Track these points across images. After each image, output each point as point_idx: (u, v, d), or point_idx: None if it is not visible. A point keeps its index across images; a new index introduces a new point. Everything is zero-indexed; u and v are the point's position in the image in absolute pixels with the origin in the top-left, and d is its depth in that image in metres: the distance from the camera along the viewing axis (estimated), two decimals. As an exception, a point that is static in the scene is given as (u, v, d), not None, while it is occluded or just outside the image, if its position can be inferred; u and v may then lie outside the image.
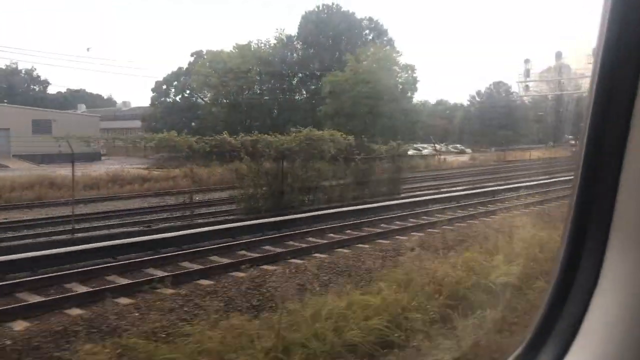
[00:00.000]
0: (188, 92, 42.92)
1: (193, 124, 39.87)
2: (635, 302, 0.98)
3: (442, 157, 43.11)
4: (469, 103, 67.92)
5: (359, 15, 46.14)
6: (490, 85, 66.69)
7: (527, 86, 42.94)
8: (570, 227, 1.13)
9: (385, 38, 45.85)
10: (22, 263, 9.13)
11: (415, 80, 41.33)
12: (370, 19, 45.89)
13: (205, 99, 41.39)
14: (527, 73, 45.82)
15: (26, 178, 22.20)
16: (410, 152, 37.63)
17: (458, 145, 60.55)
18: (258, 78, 38.94)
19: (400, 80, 38.71)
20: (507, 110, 62.99)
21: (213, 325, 4.95)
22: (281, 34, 43.14)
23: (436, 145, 54.79)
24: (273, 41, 43.19)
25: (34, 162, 33.78)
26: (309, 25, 43.01)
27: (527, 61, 45.56)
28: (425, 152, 44.98)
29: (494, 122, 64.53)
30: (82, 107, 56.74)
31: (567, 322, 1.12)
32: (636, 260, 0.99)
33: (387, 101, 35.26)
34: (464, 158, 45.55)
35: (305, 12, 44.07)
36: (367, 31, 46.17)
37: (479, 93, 67.10)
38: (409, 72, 40.65)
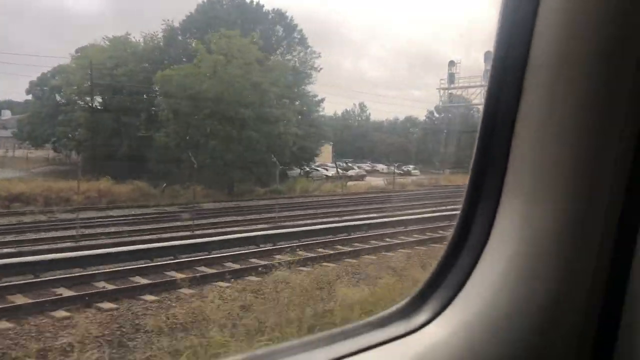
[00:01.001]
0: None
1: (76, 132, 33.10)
2: (519, 256, 1.11)
3: (354, 181, 37.60)
4: (426, 119, 61.17)
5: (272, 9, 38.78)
6: (449, 96, 60.23)
7: (450, 94, 36.63)
8: (467, 188, 1.21)
9: (296, 36, 39.07)
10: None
11: (301, 82, 35.06)
12: (279, 12, 38.84)
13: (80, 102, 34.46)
14: (451, 79, 38.81)
15: None
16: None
17: (410, 167, 53.11)
18: (126, 77, 31.96)
19: (277, 80, 30.01)
20: (464, 126, 56.47)
21: None
22: (169, 25, 36.33)
23: (354, 165, 48.83)
24: (161, 34, 36.42)
25: None
26: (198, 17, 36.39)
27: (452, 64, 38.49)
28: (330, 173, 40.11)
29: (451, 140, 57.94)
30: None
31: (458, 275, 1.20)
32: (521, 219, 1.11)
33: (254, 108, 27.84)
34: (380, 181, 39.62)
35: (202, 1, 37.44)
36: (278, 27, 39.43)
37: (437, 107, 60.60)
38: (304, 74, 34.90)
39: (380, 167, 52.89)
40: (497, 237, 1.16)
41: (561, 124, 1.07)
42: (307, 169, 39.48)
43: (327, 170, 41.40)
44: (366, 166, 51.89)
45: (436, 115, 61.80)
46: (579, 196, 1.08)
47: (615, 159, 1.08)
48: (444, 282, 1.23)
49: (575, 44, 1.04)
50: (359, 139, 66.25)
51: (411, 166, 54.23)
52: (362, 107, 68.59)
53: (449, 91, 36.07)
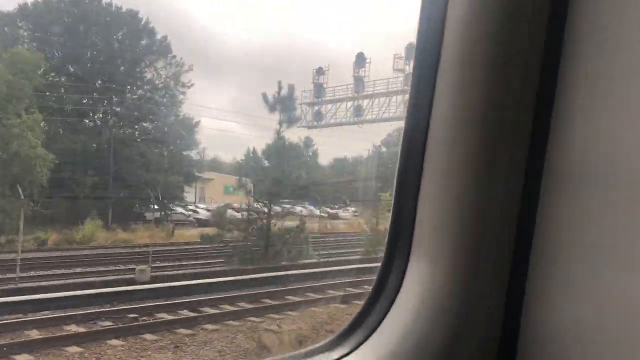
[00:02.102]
0: None
1: None
2: (426, 296, 1.25)
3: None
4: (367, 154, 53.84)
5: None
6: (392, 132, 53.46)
7: (319, 112, 29.07)
8: (386, 246, 1.37)
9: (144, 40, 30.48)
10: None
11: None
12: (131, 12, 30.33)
13: None
14: (318, 90, 30.80)
15: None
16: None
17: (352, 210, 45.75)
18: None
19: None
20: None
21: None
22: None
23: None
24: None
25: None
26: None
27: (320, 71, 30.74)
28: (204, 215, 33.03)
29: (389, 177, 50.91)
30: None
31: (375, 316, 1.35)
32: (425, 275, 1.26)
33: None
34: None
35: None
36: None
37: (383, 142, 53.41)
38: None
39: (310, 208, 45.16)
40: (409, 284, 1.30)
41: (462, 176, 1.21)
42: (172, 211, 32.91)
43: (197, 212, 34.18)
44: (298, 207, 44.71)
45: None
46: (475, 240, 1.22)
47: (506, 191, 1.20)
48: (363, 323, 1.37)
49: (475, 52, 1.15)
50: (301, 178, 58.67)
51: (350, 208, 46.16)
52: (308, 140, 60.31)
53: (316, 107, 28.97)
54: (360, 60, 29.35)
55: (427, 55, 1.21)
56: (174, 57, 31.30)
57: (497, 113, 1.16)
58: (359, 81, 29.31)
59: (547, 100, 1.16)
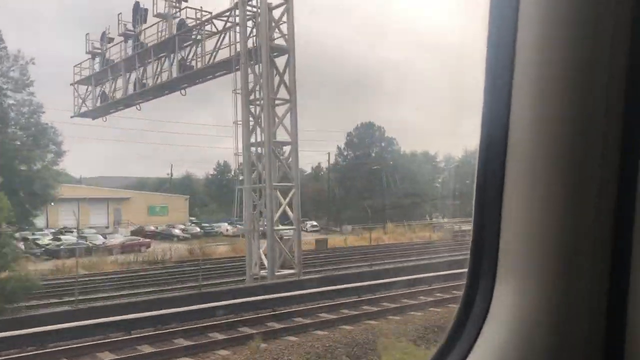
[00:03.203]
0: None
1: None
2: (516, 326, 1.17)
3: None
4: (334, 161, 50.83)
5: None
6: (358, 127, 50.22)
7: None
8: (468, 270, 1.29)
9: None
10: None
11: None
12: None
13: None
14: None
15: None
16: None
17: (313, 223, 44.20)
18: None
19: None
20: (378, 167, 46.43)
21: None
22: None
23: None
24: None
25: None
26: None
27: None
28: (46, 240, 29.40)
29: (358, 186, 47.53)
30: None
31: (463, 346, 1.27)
32: (516, 293, 1.17)
33: None
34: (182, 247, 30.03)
35: None
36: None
37: (348, 143, 50.40)
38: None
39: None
40: (496, 310, 1.22)
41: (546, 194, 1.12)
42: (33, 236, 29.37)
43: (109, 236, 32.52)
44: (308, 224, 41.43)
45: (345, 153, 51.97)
46: (566, 265, 1.13)
47: (597, 227, 1.12)
48: (449, 355, 1.30)
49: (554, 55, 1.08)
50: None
51: (310, 223, 43.21)
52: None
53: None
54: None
55: (500, 54, 1.15)
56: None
57: (584, 119, 1.09)
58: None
59: (636, 99, 1.07)
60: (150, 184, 54.47)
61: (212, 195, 54.33)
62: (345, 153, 50.20)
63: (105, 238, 32.85)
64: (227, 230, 39.97)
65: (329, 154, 48.14)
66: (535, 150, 1.12)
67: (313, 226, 43.03)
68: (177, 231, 38.87)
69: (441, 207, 43.42)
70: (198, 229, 41.03)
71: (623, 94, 1.08)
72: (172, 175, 52.82)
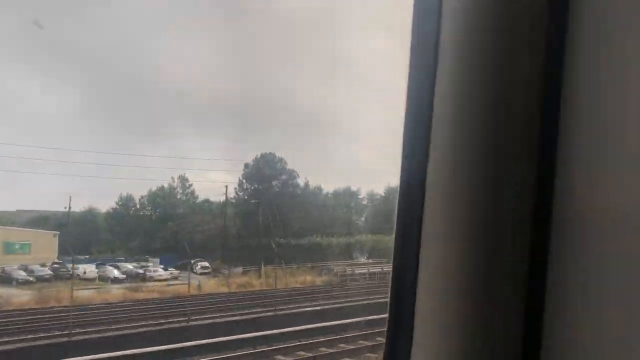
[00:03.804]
0: None
1: None
2: None
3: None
4: (235, 194, 46.37)
5: None
6: (258, 158, 46.00)
7: None
8: (387, 326, 1.29)
9: None
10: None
11: None
12: None
13: None
14: None
15: None
16: None
17: (204, 264, 40.01)
18: None
19: None
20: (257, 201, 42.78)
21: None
22: None
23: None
24: None
25: None
26: None
27: None
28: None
29: (259, 222, 44.06)
30: None
31: None
32: (433, 357, 1.18)
33: None
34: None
35: None
36: None
37: (247, 175, 46.10)
38: None
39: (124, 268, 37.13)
40: None
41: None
42: None
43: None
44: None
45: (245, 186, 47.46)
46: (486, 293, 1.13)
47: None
48: None
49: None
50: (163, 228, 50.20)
51: (201, 264, 38.77)
52: (184, 180, 51.98)
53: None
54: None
55: (422, 64, 1.16)
56: None
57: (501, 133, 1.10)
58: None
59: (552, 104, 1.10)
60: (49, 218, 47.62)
61: (115, 231, 48.39)
62: (245, 186, 45.98)
63: None
64: (84, 272, 34.30)
65: (226, 186, 43.93)
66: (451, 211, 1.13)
67: (204, 267, 38.42)
68: (21, 273, 32.72)
69: (358, 246, 40.46)
70: (49, 272, 34.94)
71: (539, 99, 1.10)
72: (69, 209, 46.30)
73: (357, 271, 32.99)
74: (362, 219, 47.89)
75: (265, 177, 45.24)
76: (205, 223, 45.49)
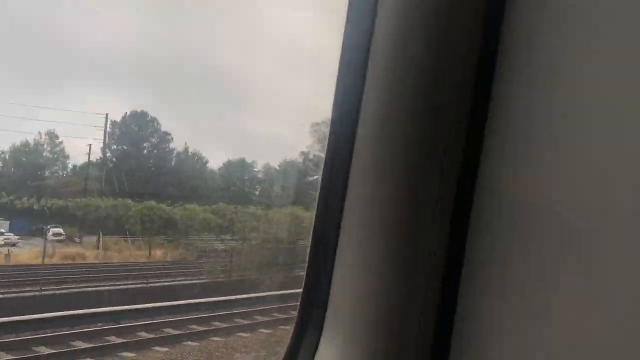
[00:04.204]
0: None
1: None
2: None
3: None
4: (101, 155, 42.11)
5: None
6: (126, 117, 41.46)
7: None
8: (297, 317, 1.29)
9: None
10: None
11: None
12: None
13: None
14: None
15: None
16: None
17: (57, 231, 34.41)
18: None
19: None
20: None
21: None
22: None
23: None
24: None
25: None
26: None
27: None
28: None
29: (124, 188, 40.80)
30: None
31: None
32: (341, 348, 1.18)
33: None
34: None
35: None
36: None
37: (115, 134, 41.59)
38: None
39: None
40: None
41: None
42: None
43: None
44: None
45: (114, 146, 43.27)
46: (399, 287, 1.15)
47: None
48: None
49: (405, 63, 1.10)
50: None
51: (55, 230, 35.26)
52: (53, 137, 46.92)
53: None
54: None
55: (354, 58, 1.16)
56: None
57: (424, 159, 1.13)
58: None
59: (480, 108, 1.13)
60: None
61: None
62: (113, 147, 41.61)
63: None
64: None
65: (89, 146, 39.56)
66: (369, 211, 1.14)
67: (56, 234, 34.35)
68: None
69: (235, 221, 38.02)
70: None
71: (469, 103, 1.12)
72: None
73: (220, 247, 30.48)
74: (251, 190, 45.50)
75: (134, 138, 41.22)
76: (69, 185, 41.31)
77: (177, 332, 14.41)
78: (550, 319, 1.00)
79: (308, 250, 1.23)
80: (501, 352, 1.08)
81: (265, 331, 14.85)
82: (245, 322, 15.56)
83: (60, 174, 45.68)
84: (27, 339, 12.87)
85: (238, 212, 35.02)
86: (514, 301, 1.06)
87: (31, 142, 43.70)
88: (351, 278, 1.16)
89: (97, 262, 27.44)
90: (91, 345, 12.96)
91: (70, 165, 42.45)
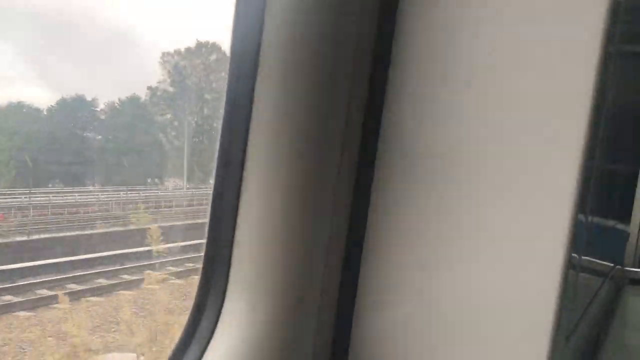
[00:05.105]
0: None
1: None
2: (243, 341, 1.16)
3: None
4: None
5: None
6: None
7: None
8: (199, 279, 1.25)
9: None
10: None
11: None
12: None
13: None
14: None
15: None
16: None
17: None
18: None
19: None
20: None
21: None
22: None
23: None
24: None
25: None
26: None
27: None
28: None
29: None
30: None
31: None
32: (247, 308, 1.17)
33: None
34: None
35: None
36: None
37: None
38: None
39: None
40: (225, 325, 1.20)
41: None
42: None
43: None
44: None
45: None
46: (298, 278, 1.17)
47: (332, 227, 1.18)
48: None
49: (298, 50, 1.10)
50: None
51: None
52: None
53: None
54: None
55: (245, 57, 1.14)
56: None
57: (322, 119, 1.13)
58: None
59: (377, 101, 1.17)
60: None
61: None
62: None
63: None
64: None
65: None
66: (273, 156, 1.12)
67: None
68: None
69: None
70: None
71: (365, 95, 1.16)
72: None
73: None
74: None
75: None
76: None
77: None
78: (447, 275, 1.09)
79: (210, 203, 1.22)
80: (403, 302, 1.14)
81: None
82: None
83: None
84: None
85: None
86: (417, 252, 1.13)
87: None
88: (256, 230, 1.16)
89: None
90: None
91: None
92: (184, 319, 1.27)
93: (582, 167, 0.99)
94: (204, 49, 15.87)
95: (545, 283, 1.02)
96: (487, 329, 1.06)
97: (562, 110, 1.01)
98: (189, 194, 17.01)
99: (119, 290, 8.83)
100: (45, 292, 8.40)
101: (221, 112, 1.16)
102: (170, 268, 9.25)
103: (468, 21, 1.07)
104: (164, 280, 8.51)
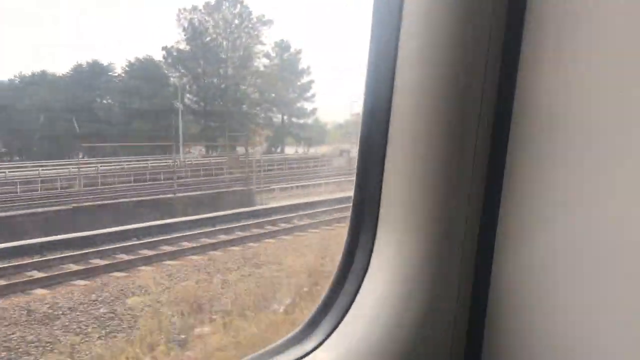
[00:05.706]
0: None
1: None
2: (394, 280, 1.25)
3: None
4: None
5: None
6: None
7: None
8: (350, 223, 1.36)
9: None
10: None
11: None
12: None
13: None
14: None
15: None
16: None
17: None
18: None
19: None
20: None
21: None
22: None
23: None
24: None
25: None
26: None
27: None
28: None
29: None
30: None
31: (343, 300, 1.33)
32: (395, 247, 1.25)
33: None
34: None
35: None
36: None
37: None
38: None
39: None
40: (376, 264, 1.28)
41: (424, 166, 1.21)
42: None
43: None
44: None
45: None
46: (441, 223, 1.23)
47: (471, 182, 1.23)
48: (331, 309, 1.33)
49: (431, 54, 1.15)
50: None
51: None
52: None
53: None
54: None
55: (386, 29, 1.20)
56: None
57: (460, 92, 1.18)
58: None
59: (509, 81, 1.18)
60: None
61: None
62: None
63: None
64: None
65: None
66: (416, 121, 1.18)
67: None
68: None
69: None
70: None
71: (498, 74, 1.18)
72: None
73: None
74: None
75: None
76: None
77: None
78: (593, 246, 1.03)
79: (357, 155, 1.30)
80: (543, 241, 1.12)
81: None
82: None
83: None
84: None
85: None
86: (559, 190, 1.09)
87: None
88: (402, 174, 1.22)
89: None
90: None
91: None
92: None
93: None
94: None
95: None
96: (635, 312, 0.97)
97: None
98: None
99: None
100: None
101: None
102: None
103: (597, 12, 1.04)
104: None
